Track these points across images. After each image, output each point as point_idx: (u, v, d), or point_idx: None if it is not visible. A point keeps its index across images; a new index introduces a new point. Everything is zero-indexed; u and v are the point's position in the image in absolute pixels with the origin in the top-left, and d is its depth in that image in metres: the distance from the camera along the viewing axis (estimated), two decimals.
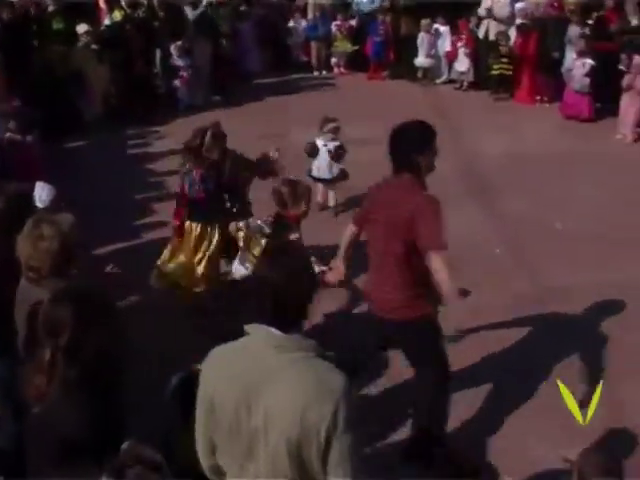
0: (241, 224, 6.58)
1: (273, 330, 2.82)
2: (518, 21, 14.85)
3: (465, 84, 15.49)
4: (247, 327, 2.88)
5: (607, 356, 6.67)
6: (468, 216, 9.64)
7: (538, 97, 14.62)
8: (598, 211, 9.83)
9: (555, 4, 14.98)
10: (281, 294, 2.81)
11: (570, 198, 10.30)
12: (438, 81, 15.99)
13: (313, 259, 5.36)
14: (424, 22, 15.70)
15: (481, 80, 15.30)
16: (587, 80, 13.23)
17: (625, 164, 11.70)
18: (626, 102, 12.64)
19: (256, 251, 6.44)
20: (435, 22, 15.92)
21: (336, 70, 17.18)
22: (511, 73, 14.62)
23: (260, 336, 2.84)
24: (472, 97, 14.97)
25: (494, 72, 14.78)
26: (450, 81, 15.81)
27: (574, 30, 14.05)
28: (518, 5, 15.13)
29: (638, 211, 9.79)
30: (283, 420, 2.68)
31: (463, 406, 5.78)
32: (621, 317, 7.39)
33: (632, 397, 6.07)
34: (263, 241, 6.37)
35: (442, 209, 4.70)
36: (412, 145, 4.76)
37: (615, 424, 5.77)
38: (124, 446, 3.00)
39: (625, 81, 12.49)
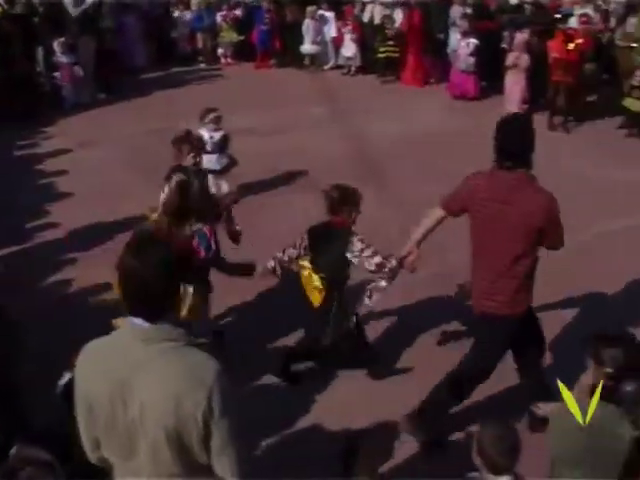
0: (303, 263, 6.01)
1: (139, 322, 2.72)
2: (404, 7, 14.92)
3: (353, 69, 15.50)
4: (115, 321, 2.78)
5: None
6: (366, 199, 9.64)
7: (425, 78, 14.69)
8: None
9: None
10: (145, 284, 2.70)
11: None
12: (326, 67, 15.95)
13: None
14: (309, 9, 15.65)
15: (368, 64, 15.32)
16: (472, 59, 13.41)
17: None
18: (511, 79, 12.86)
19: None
20: (320, 8, 15.86)
21: (223, 61, 16.98)
22: (398, 56, 14.68)
23: (127, 329, 2.75)
24: (360, 81, 14.99)
25: (381, 55, 14.84)
26: (338, 67, 15.79)
27: (457, 10, 14.20)
28: None
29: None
30: (157, 411, 2.61)
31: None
32: None
33: None
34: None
35: None
36: (530, 142, 4.64)
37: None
38: (12, 450, 3.05)
39: (509, 59, 12.68)
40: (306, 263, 5.74)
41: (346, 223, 5.69)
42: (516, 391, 5.76)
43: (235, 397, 2.77)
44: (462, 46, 13.46)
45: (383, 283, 5.51)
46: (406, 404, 5.34)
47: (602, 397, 3.87)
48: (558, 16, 13.00)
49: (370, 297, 5.58)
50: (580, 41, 12.12)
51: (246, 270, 6.13)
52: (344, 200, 5.70)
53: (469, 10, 14.11)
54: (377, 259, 5.43)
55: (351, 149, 11.56)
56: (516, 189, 4.60)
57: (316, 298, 5.65)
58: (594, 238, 8.64)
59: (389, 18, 14.77)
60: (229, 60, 16.95)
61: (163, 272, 2.72)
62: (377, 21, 15.17)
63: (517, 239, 4.61)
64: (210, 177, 9.08)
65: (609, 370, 3.87)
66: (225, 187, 9.57)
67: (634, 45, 12.58)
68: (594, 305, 6.96)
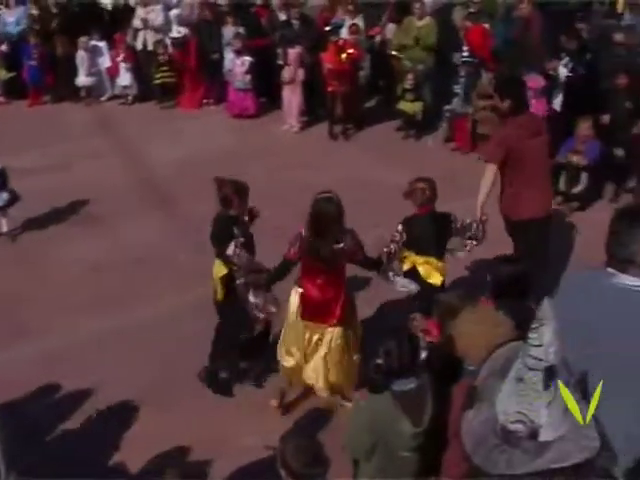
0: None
1: None
2: (178, 29, 14.69)
3: (130, 98, 15.09)
4: None
5: None
6: (150, 226, 9.62)
7: (204, 100, 14.54)
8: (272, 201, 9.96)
9: (207, 8, 14.97)
10: None
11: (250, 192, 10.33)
12: (102, 98, 15.44)
13: None
14: (81, 40, 15.10)
15: (146, 92, 14.97)
16: (248, 77, 13.38)
17: (296, 152, 12.08)
18: (288, 94, 12.98)
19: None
20: (92, 39, 15.35)
21: None
22: (174, 80, 14.43)
23: None
24: (139, 109, 14.61)
25: (157, 82, 14.53)
26: (115, 97, 15.31)
27: (229, 30, 14.12)
28: (173, 12, 15.01)
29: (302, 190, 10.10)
30: None
31: None
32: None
33: None
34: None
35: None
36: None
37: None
38: None
39: (284, 74, 12.77)
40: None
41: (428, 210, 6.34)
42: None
43: None
44: (237, 65, 13.41)
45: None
46: None
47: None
48: (328, 28, 13.16)
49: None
50: (351, 51, 12.33)
51: None
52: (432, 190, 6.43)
53: (241, 29, 14.06)
54: None
55: (134, 178, 11.34)
56: (538, 122, 7.47)
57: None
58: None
59: (161, 43, 14.49)
60: (1, 99, 16.09)
61: None
62: (150, 47, 14.85)
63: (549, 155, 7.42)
64: None
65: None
66: (4, 223, 9.33)
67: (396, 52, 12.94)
68: None
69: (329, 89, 12.45)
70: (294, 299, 5.90)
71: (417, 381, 4.02)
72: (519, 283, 5.01)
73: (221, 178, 6.45)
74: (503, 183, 7.21)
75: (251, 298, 5.89)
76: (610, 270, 3.65)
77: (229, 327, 6.35)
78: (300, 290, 5.83)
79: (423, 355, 4.15)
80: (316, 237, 5.60)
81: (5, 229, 9.52)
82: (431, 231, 6.26)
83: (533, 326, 2.73)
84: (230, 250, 5.92)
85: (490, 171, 7.08)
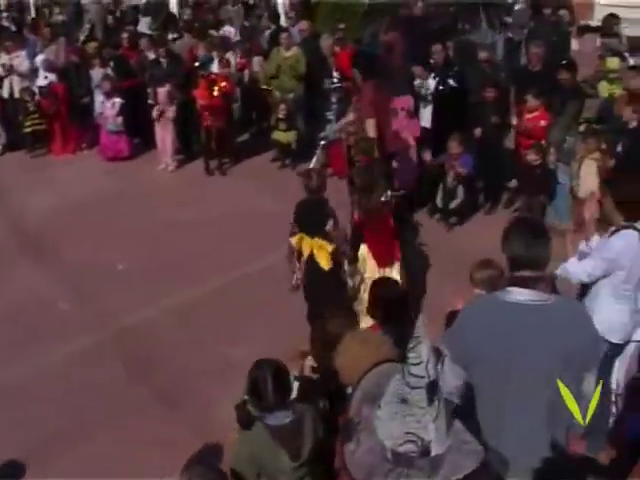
0: None
1: None
2: (44, 74, 14.34)
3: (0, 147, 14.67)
4: None
5: None
6: (26, 276, 9.40)
7: (77, 146, 14.22)
8: (155, 245, 9.90)
9: (75, 51, 14.73)
10: None
11: (126, 236, 10.21)
12: None
13: None
14: None
15: (16, 140, 14.55)
16: (119, 119, 13.17)
17: (172, 191, 12.08)
18: (160, 133, 12.87)
19: None
20: None
21: None
22: (44, 127, 14.09)
23: None
24: (9, 159, 14.18)
25: (27, 130, 14.16)
26: None
27: (98, 72, 13.90)
28: (39, 57, 14.66)
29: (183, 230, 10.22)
30: None
31: None
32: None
33: None
34: None
35: None
36: None
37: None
38: None
39: (155, 113, 12.65)
40: None
41: None
42: None
43: None
44: (108, 107, 13.20)
45: None
46: None
47: None
48: (197, 64, 13.10)
49: None
50: (223, 84, 12.30)
51: None
52: None
53: (110, 71, 13.87)
54: None
55: (7, 226, 11.09)
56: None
57: None
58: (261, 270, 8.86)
59: (28, 91, 14.13)
60: None
61: None
62: (17, 95, 14.47)
63: None
64: None
65: None
66: None
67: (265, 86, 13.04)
68: None
69: (204, 124, 12.37)
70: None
71: (291, 415, 3.96)
72: (399, 305, 5.07)
73: (307, 170, 7.97)
74: None
75: (345, 267, 7.37)
76: (508, 288, 3.90)
77: (333, 292, 7.16)
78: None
79: (295, 386, 4.06)
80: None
81: None
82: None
83: (410, 345, 2.73)
84: (329, 226, 7.13)
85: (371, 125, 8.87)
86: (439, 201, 10.32)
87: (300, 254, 7.29)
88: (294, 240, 7.28)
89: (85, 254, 9.79)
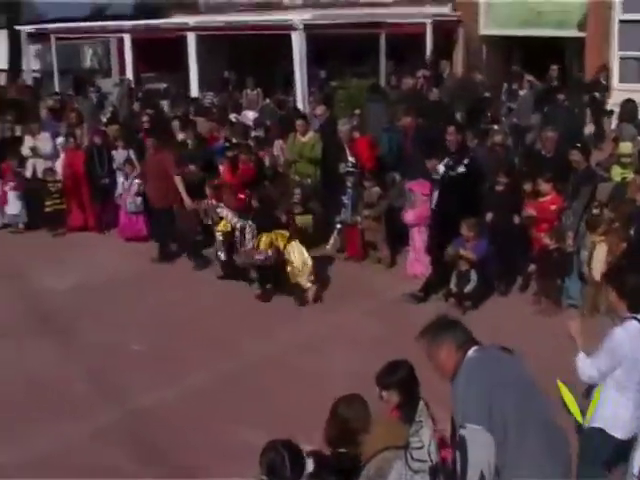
0: None
1: None
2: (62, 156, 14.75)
3: (20, 226, 14.91)
4: None
5: None
6: (43, 354, 9.40)
7: (96, 226, 14.42)
8: (172, 328, 10.04)
9: (99, 133, 15.08)
10: None
11: (142, 317, 10.40)
12: None
13: None
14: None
15: (36, 219, 14.83)
16: (139, 199, 13.40)
17: (192, 274, 12.15)
18: None
19: None
20: None
21: None
22: (65, 207, 14.36)
23: None
24: (30, 238, 14.42)
25: (48, 209, 14.44)
26: (5, 225, 15.10)
27: (121, 154, 14.22)
28: (59, 140, 15.07)
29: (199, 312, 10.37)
30: None
31: None
32: None
33: None
34: None
35: None
36: None
37: None
38: None
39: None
40: None
41: None
42: None
43: None
44: (127, 188, 13.46)
45: None
46: None
47: None
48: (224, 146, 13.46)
49: None
50: (243, 168, 12.52)
51: None
52: None
53: (132, 153, 14.18)
54: None
55: (27, 305, 11.12)
56: None
57: None
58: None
59: (49, 171, 14.49)
60: None
61: None
62: (40, 175, 14.82)
63: None
64: None
65: None
66: None
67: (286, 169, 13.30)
68: None
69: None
70: None
71: None
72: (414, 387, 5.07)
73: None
74: None
75: None
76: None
77: None
78: None
79: (310, 466, 4.11)
80: None
81: None
82: None
83: (412, 429, 2.79)
84: None
85: None
86: (453, 285, 10.40)
87: None
88: None
89: (101, 334, 9.89)
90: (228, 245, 11.62)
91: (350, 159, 12.31)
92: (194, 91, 18.87)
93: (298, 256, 10.67)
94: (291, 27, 16.54)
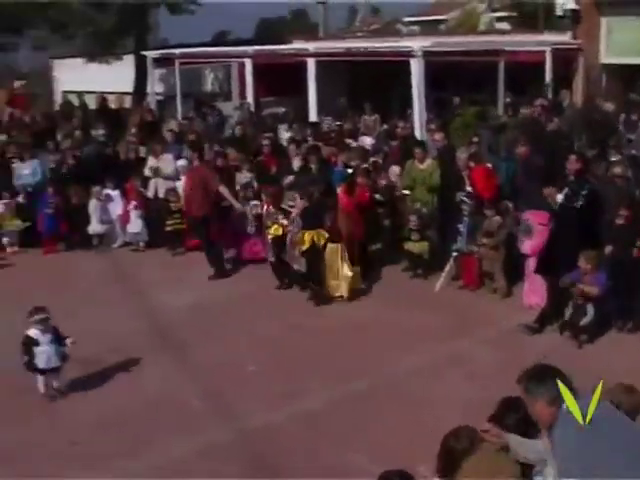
0: None
1: None
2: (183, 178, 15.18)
3: (141, 244, 15.37)
4: None
5: None
6: (162, 371, 9.64)
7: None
8: (286, 349, 10.14)
9: (220, 156, 15.43)
10: None
11: (258, 338, 10.60)
12: (114, 245, 15.71)
13: None
14: (94, 189, 15.52)
15: (157, 238, 15.25)
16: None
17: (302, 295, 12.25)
18: None
19: None
20: (105, 188, 15.78)
21: (9, 250, 16.30)
22: (184, 227, 14.73)
23: None
24: (150, 256, 14.86)
25: (169, 228, 14.85)
26: (126, 244, 15.60)
27: (242, 177, 14.54)
28: (180, 162, 15.51)
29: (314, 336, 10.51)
30: None
31: None
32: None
33: None
34: None
35: None
36: None
37: None
38: None
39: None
40: None
41: None
42: None
43: None
44: (247, 210, 13.69)
45: None
46: None
47: None
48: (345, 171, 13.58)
49: None
50: (359, 193, 12.62)
51: None
52: None
53: (252, 176, 14.48)
54: None
55: (146, 322, 11.41)
56: None
57: None
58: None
59: (173, 191, 14.89)
60: (15, 248, 16.33)
61: None
62: (161, 195, 15.25)
63: None
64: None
65: None
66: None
67: (406, 193, 13.29)
68: None
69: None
70: None
71: None
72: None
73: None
74: None
75: None
76: None
77: None
78: None
79: None
80: None
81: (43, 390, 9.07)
82: None
83: (537, 469, 2.76)
84: None
85: None
86: (568, 317, 10.19)
87: None
88: None
89: (217, 353, 10.10)
90: (278, 248, 12.57)
91: (467, 188, 12.23)
92: (312, 116, 19.05)
93: (334, 258, 11.74)
94: (410, 54, 16.55)
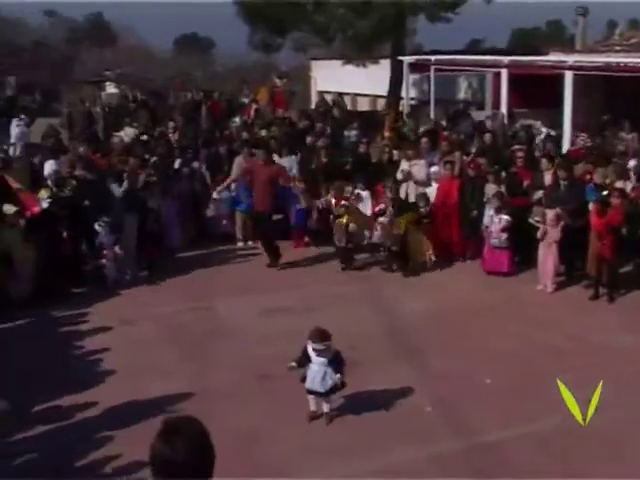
0: None
1: None
2: (434, 184, 15.38)
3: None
4: None
5: None
6: (398, 376, 9.69)
7: (461, 254, 14.84)
8: (524, 364, 10.02)
9: (472, 165, 15.50)
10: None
11: (495, 351, 10.49)
12: (363, 243, 16.03)
13: None
14: (346, 189, 15.95)
15: None
16: (504, 235, 13.54)
17: (548, 313, 12.02)
18: (543, 253, 13.00)
19: None
20: (356, 187, 16.18)
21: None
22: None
23: None
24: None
25: None
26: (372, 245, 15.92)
27: (491, 188, 14.49)
28: (432, 169, 15.71)
29: (557, 356, 10.24)
30: None
31: None
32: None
33: None
34: None
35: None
36: None
37: None
38: None
39: (540, 233, 12.88)
40: None
41: None
42: None
43: None
44: (494, 222, 13.68)
45: None
46: None
47: None
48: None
49: None
50: (611, 215, 12.26)
51: None
52: None
53: (502, 188, 14.40)
54: None
55: (382, 326, 11.58)
56: None
57: None
58: None
59: (423, 196, 15.05)
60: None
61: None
62: (412, 199, 15.47)
63: None
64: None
65: None
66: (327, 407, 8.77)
67: None
68: None
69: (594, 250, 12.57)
70: None
71: None
72: None
73: None
74: None
75: None
76: None
77: None
78: None
79: None
80: None
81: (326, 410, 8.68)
82: None
83: None
84: None
85: None
86: None
87: None
88: None
89: (452, 362, 10.08)
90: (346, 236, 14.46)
91: None
92: (567, 130, 18.67)
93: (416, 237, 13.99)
94: None
